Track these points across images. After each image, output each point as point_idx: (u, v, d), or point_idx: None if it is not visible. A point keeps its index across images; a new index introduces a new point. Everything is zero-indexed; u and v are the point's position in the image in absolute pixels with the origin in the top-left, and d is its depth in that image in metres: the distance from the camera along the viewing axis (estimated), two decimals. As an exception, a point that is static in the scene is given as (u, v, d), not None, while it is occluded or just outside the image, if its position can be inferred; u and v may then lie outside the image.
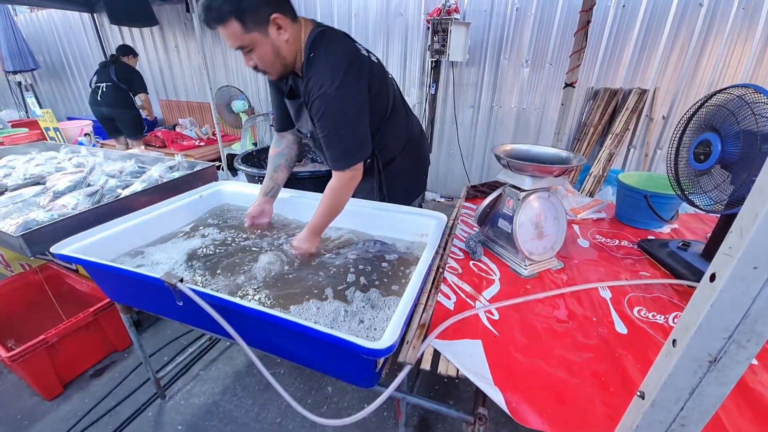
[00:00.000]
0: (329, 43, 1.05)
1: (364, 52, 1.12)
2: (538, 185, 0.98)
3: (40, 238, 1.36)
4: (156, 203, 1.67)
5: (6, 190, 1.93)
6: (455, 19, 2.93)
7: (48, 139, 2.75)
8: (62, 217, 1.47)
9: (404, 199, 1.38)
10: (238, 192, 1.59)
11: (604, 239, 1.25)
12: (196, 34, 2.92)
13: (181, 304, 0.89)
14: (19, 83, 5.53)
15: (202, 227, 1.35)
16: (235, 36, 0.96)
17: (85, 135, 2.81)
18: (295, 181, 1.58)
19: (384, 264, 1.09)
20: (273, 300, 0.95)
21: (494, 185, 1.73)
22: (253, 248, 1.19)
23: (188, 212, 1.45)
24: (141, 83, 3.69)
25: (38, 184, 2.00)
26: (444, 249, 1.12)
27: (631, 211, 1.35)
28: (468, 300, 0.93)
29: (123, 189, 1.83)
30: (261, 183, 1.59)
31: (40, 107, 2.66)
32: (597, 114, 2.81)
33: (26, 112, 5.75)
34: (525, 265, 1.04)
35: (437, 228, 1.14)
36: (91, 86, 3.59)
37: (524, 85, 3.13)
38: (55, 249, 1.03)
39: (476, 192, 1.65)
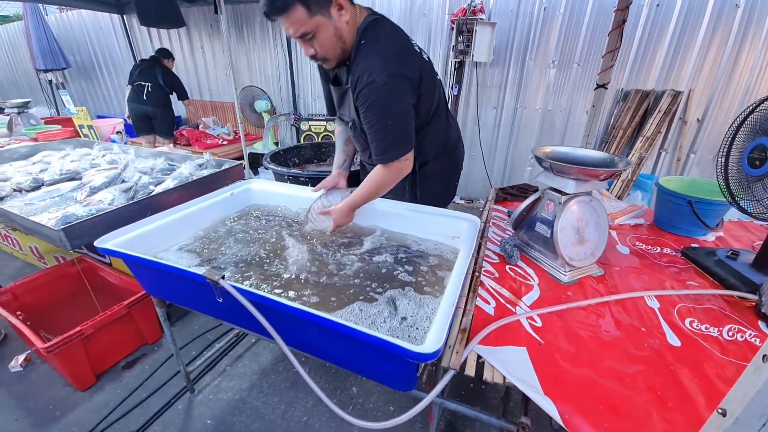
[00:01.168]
0: (381, 32, 1.03)
1: (416, 48, 1.10)
2: (581, 189, 0.95)
3: (78, 232, 1.41)
4: (188, 200, 1.72)
5: (43, 185, 2.01)
6: (480, 19, 2.89)
7: (82, 136, 2.84)
8: (100, 212, 1.51)
9: (435, 204, 1.33)
10: (268, 191, 1.60)
11: (644, 246, 1.21)
12: (223, 35, 2.98)
13: (221, 300, 0.89)
14: (50, 81, 5.74)
15: (234, 223, 1.37)
16: (300, 22, 0.94)
17: (117, 133, 2.90)
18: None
19: (420, 265, 1.07)
20: (313, 296, 0.95)
21: (523, 188, 1.70)
22: (288, 244, 1.20)
23: (220, 210, 1.47)
24: (184, 88, 3.90)
25: (74, 179, 2.07)
26: (478, 252, 1.10)
27: (672, 218, 1.30)
28: (508, 305, 0.90)
29: (155, 186, 1.88)
30: (289, 182, 1.61)
31: (60, 113, 2.74)
32: (627, 116, 2.73)
33: (56, 109, 5.97)
34: (565, 271, 1.01)
35: (470, 231, 1.12)
36: (130, 84, 3.69)
37: (550, 86, 3.07)
38: (98, 243, 1.05)
39: (505, 195, 1.62)
